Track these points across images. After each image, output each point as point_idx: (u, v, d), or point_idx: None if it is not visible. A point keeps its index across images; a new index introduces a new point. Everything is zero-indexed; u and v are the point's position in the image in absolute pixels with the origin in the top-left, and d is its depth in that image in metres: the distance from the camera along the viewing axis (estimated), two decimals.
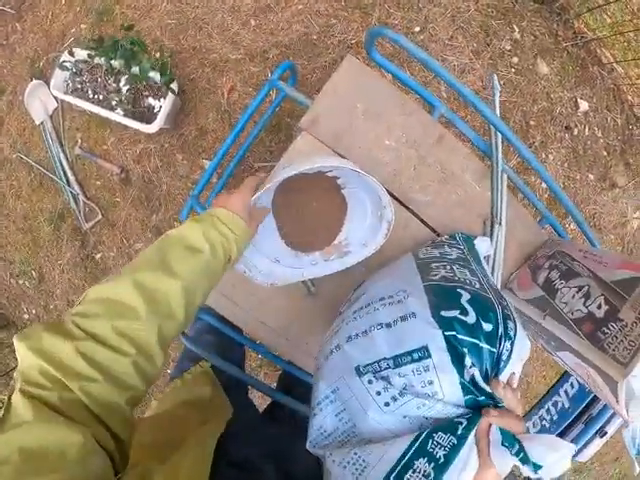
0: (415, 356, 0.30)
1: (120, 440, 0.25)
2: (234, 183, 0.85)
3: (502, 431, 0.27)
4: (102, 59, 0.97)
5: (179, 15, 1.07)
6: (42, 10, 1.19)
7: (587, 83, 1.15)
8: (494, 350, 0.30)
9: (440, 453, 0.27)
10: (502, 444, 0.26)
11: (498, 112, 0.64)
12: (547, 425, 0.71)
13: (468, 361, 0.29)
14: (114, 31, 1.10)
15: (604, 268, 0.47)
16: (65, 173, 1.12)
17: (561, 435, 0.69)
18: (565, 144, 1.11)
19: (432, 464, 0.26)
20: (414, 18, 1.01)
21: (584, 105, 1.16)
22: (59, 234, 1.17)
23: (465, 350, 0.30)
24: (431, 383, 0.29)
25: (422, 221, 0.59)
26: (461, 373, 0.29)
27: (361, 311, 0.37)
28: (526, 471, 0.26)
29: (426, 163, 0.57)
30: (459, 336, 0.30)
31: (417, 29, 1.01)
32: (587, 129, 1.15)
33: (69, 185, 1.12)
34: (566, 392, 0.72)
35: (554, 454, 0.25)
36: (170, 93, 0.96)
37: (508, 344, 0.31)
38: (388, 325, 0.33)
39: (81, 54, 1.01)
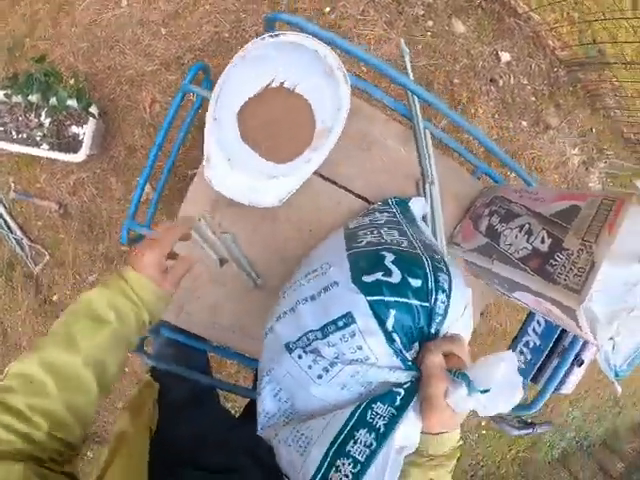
0: (340, 323, 0.30)
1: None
2: (171, 195, 0.84)
3: (450, 370, 0.28)
4: (19, 96, 0.94)
5: (90, 37, 1.04)
6: None
7: (505, 35, 1.19)
8: (426, 305, 0.30)
9: (380, 423, 0.27)
10: (454, 379, 0.27)
11: (411, 74, 0.65)
12: (523, 366, 0.73)
13: (390, 323, 0.29)
14: (28, 66, 1.07)
15: (541, 204, 0.48)
16: (5, 220, 1.09)
17: (538, 372, 0.70)
18: (492, 96, 1.15)
19: (373, 434, 0.27)
20: None
21: (505, 56, 1.20)
22: (12, 284, 1.13)
23: (392, 312, 0.29)
24: (360, 348, 0.29)
25: (353, 193, 0.60)
26: (388, 336, 0.29)
27: (289, 289, 0.38)
28: (477, 404, 0.26)
29: (346, 136, 0.58)
30: (385, 298, 0.30)
31: (327, 9, 1.02)
32: (512, 78, 1.19)
33: (11, 232, 1.08)
34: (534, 330, 0.74)
35: (497, 369, 0.25)
36: (91, 118, 0.94)
37: (443, 297, 0.31)
38: (312, 298, 0.33)
39: None
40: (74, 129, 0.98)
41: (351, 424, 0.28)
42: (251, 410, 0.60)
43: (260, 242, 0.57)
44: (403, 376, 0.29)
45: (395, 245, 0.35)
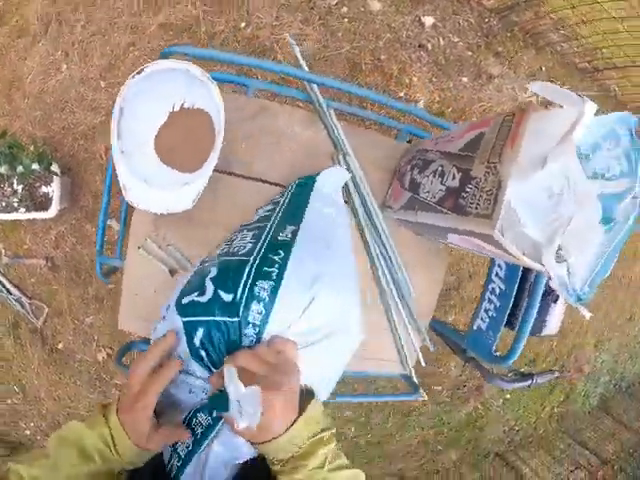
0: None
1: None
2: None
3: (211, 401, 0.29)
4: None
5: (41, 105, 1.16)
6: None
7: (424, 0, 1.22)
8: (235, 319, 0.30)
9: (199, 430, 0.31)
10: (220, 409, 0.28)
11: (303, 63, 0.69)
12: (494, 314, 0.71)
13: (197, 341, 0.31)
14: None
15: (451, 143, 0.47)
16: (3, 285, 1.20)
17: (511, 317, 0.68)
18: (424, 61, 1.17)
19: (193, 439, 0.31)
20: (237, 17, 1.09)
21: (429, 20, 1.22)
22: (20, 342, 1.24)
23: (200, 330, 0.30)
24: (183, 362, 0.32)
25: (272, 183, 0.64)
26: (196, 352, 0.31)
27: None
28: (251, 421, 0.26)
29: (252, 136, 0.62)
30: (195, 318, 0.31)
31: (243, 24, 1.08)
32: (441, 40, 1.21)
33: (10, 294, 1.19)
34: (497, 275, 0.73)
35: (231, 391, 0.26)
36: (54, 176, 1.03)
37: (260, 307, 0.31)
38: (163, 318, 0.37)
39: None
40: (44, 189, 1.08)
41: (184, 426, 0.32)
42: None
43: (198, 247, 0.62)
44: None
45: (233, 255, 0.35)
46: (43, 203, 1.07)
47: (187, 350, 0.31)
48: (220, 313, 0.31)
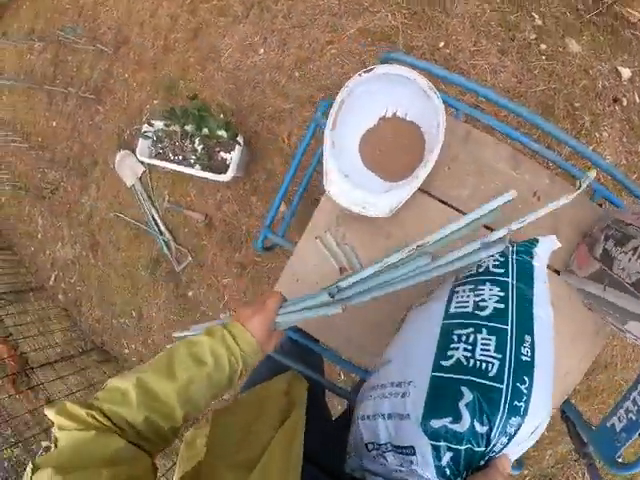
0: (403, 451, 0.36)
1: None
2: (302, 215, 0.95)
3: None
4: (176, 126, 1.28)
5: (234, 80, 1.37)
6: (118, 93, 1.58)
7: (623, 48, 1.21)
8: (481, 449, 0.32)
9: None
10: None
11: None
12: (634, 417, 0.58)
13: (445, 462, 0.33)
14: (182, 102, 1.43)
15: None
16: (157, 224, 1.44)
17: None
18: (617, 117, 1.17)
19: None
20: (436, 35, 1.19)
21: (626, 72, 1.21)
22: (155, 277, 1.46)
23: (449, 454, 0.33)
24: (414, 471, 0.35)
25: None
26: (441, 471, 0.33)
27: (374, 391, 0.42)
28: None
29: (458, 160, 0.61)
30: (447, 444, 0.33)
31: (442, 44, 1.18)
32: (637, 96, 1.20)
33: (161, 234, 1.43)
34: None
35: None
36: (237, 146, 1.23)
37: (504, 439, 0.32)
38: (389, 416, 0.38)
39: (158, 124, 1.32)
40: (222, 154, 1.28)
41: None
42: (348, 418, 0.59)
43: (374, 253, 0.63)
44: None
45: (482, 376, 0.34)
46: (218, 167, 1.27)
47: (433, 468, 0.34)
48: (470, 442, 0.32)
